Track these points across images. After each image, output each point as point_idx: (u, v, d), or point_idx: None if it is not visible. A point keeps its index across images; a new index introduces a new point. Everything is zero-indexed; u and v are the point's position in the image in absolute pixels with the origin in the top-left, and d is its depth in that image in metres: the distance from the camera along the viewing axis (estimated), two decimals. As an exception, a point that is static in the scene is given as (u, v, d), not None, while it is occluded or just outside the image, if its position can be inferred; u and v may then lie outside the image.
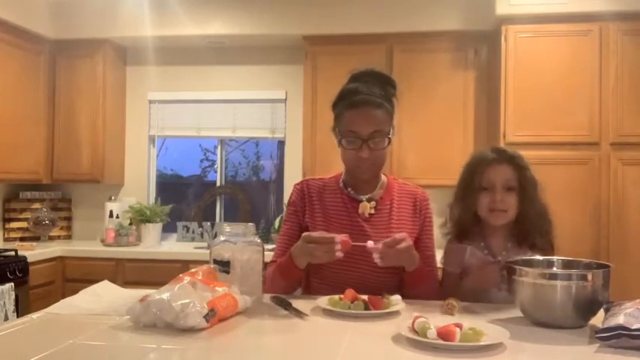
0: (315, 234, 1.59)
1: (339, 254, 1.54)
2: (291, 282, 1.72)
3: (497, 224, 1.71)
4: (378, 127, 1.68)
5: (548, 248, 1.70)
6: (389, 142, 1.71)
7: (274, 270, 1.74)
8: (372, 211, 1.77)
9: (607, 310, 1.32)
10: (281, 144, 4.55)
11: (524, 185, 1.68)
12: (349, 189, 1.81)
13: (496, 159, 1.70)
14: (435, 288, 1.77)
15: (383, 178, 1.85)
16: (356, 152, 1.69)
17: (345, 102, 1.71)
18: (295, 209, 1.84)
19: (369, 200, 1.78)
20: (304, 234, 1.61)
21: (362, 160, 1.70)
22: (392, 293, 1.57)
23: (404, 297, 1.57)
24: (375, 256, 1.55)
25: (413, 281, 1.70)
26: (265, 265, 1.64)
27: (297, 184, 1.89)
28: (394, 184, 1.86)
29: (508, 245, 1.72)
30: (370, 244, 1.56)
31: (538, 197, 1.70)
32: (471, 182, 1.71)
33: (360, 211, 1.77)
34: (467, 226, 1.74)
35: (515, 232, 1.72)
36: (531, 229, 1.69)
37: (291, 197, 1.88)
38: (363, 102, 1.68)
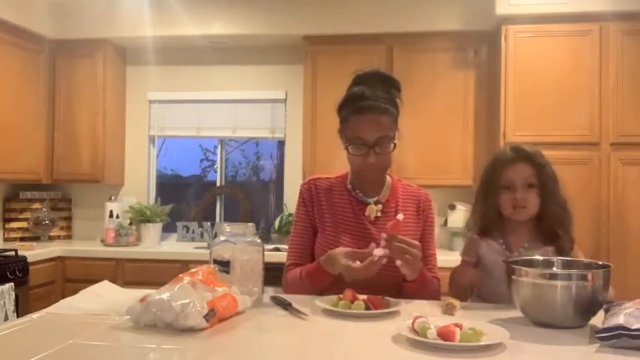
0: (356, 267, 1.58)
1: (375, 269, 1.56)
2: (323, 286, 1.71)
3: (519, 220, 1.75)
4: (384, 133, 1.70)
5: (569, 242, 1.74)
6: (394, 147, 1.74)
7: (304, 276, 1.73)
8: (379, 214, 1.78)
9: (607, 310, 1.32)
10: (281, 144, 4.55)
11: (544, 181, 1.72)
12: (357, 191, 1.82)
13: (515, 158, 1.75)
14: (435, 293, 1.77)
15: (388, 179, 1.87)
16: (363, 158, 1.71)
17: (351, 107, 1.73)
18: (306, 209, 1.84)
19: (376, 203, 1.79)
20: (345, 266, 1.58)
21: (368, 165, 1.72)
22: (392, 295, 1.58)
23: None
24: (379, 252, 1.57)
25: (414, 289, 1.70)
26: (266, 264, 1.63)
27: (305, 183, 1.89)
28: (399, 186, 1.87)
29: (525, 244, 1.75)
30: (375, 251, 1.57)
31: (559, 192, 1.75)
32: (493, 182, 1.76)
33: (367, 213, 1.78)
34: (489, 224, 1.78)
35: (538, 228, 1.76)
36: (553, 223, 1.74)
37: (300, 197, 1.87)
38: (368, 108, 1.69)
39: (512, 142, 1.86)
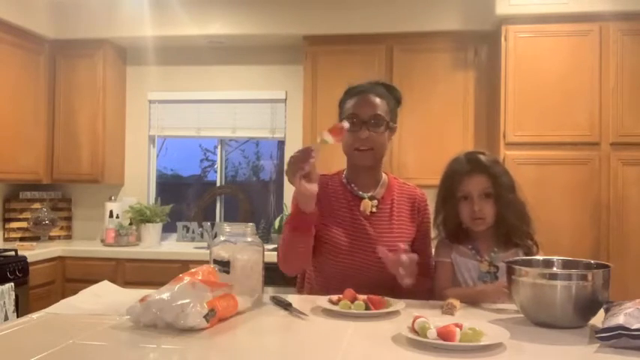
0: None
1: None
2: (305, 234, 1.69)
3: (478, 230, 1.77)
4: (378, 112, 1.76)
5: (533, 246, 1.77)
6: (387, 128, 1.78)
7: (287, 230, 1.72)
8: (374, 210, 1.79)
9: (607, 310, 1.32)
10: (281, 144, 4.55)
11: (500, 191, 1.74)
12: (352, 184, 1.83)
13: (471, 170, 1.76)
14: (428, 293, 1.78)
15: (384, 176, 1.88)
16: (355, 134, 1.74)
17: (350, 94, 1.81)
18: None
19: (371, 198, 1.80)
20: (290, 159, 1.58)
21: (361, 142, 1.74)
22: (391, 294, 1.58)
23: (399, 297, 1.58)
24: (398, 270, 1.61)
25: (407, 290, 1.69)
26: (266, 264, 1.63)
27: None
28: (395, 184, 1.88)
29: (495, 249, 1.77)
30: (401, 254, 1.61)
31: (515, 199, 1.77)
32: (451, 192, 1.78)
33: (361, 208, 1.79)
34: (453, 233, 1.80)
35: (498, 234, 1.78)
36: (511, 230, 1.76)
37: None
38: (365, 90, 1.79)
39: (470, 150, 1.88)
